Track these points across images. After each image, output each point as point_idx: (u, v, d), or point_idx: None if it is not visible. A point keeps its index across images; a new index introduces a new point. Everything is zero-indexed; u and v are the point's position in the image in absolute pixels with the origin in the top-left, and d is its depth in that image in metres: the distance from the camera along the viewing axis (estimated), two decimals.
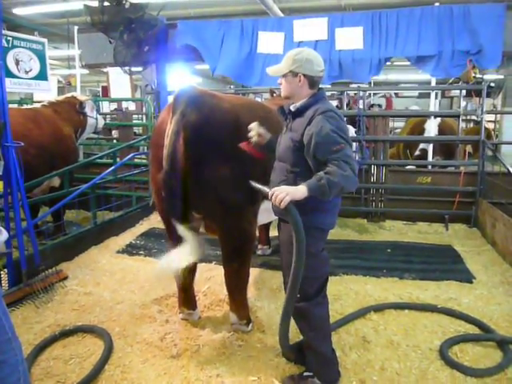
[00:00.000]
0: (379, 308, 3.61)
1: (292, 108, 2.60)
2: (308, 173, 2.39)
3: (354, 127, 6.77)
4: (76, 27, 6.50)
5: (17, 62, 3.97)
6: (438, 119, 7.54)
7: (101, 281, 4.30)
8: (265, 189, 2.46)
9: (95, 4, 4.99)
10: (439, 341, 3.13)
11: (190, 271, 3.41)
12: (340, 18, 5.70)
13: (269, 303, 3.82)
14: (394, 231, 5.92)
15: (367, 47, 5.45)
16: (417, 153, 7.70)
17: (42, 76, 4.33)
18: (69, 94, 5.60)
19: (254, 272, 4.48)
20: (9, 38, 3.89)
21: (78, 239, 4.99)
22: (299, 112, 2.53)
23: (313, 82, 2.54)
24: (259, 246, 5.06)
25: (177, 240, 2.89)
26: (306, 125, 2.43)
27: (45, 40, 4.37)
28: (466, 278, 4.23)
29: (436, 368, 2.87)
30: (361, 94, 6.73)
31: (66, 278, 4.26)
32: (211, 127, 2.96)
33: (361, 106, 6.43)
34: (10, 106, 4.27)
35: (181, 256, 2.78)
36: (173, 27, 6.09)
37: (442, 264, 4.61)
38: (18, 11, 9.01)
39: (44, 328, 3.45)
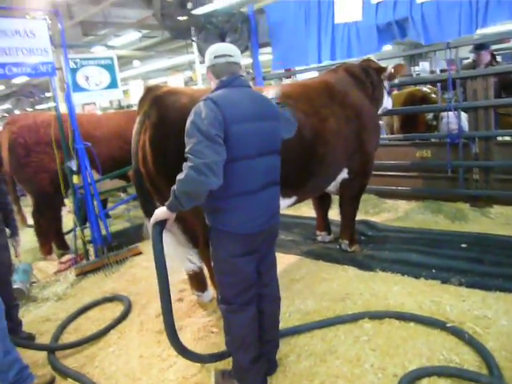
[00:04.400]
0: (377, 316, 3.10)
1: None
2: None
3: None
4: (192, 28, 7.17)
5: (86, 78, 4.83)
6: None
7: None
8: None
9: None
10: (415, 367, 2.55)
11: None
12: None
13: (281, 292, 3.66)
14: (498, 220, 4.70)
15: None
16: None
17: (113, 85, 5.10)
18: None
19: (290, 259, 4.43)
20: (76, 60, 4.81)
21: None
22: None
23: (215, 71, 2.41)
24: (317, 232, 4.83)
25: None
26: None
27: (113, 55, 5.13)
28: None
29: None
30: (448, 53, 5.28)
31: (139, 253, 5.02)
32: (168, 125, 3.07)
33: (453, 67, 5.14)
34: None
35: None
36: (261, 13, 6.12)
37: None
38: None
39: (101, 293, 4.27)
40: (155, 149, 3.12)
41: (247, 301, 2.45)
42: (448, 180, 5.36)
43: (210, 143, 2.12)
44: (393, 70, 4.37)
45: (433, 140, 5.81)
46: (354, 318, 3.11)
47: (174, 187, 2.16)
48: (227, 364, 2.75)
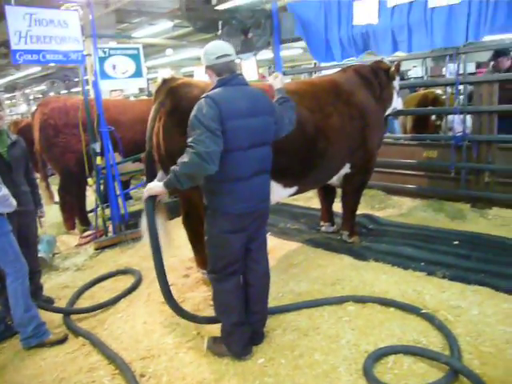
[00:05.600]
0: (360, 300, 3.36)
1: None
2: None
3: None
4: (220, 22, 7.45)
5: (113, 67, 5.19)
6: None
7: (176, 238, 5.21)
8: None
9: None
10: (384, 345, 2.81)
11: (198, 234, 3.75)
12: None
13: (278, 274, 4.00)
14: (494, 221, 4.85)
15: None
16: None
17: (137, 74, 5.44)
18: None
19: (292, 246, 4.70)
20: (105, 49, 5.18)
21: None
22: None
23: (216, 69, 2.67)
24: (321, 223, 5.08)
25: None
26: None
27: (140, 45, 5.46)
28: (510, 287, 3.34)
29: (349, 372, 2.64)
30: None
31: None
32: (180, 113, 3.37)
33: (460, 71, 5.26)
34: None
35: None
36: (283, 10, 6.34)
37: (506, 267, 3.71)
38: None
39: (115, 266, 4.66)
40: (168, 135, 3.44)
41: (232, 272, 2.78)
42: (451, 180, 5.52)
43: (211, 135, 2.44)
44: (393, 69, 4.58)
45: (440, 141, 5.96)
46: (340, 301, 3.38)
47: (176, 168, 2.49)
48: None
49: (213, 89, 2.66)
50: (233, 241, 2.71)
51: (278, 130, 2.86)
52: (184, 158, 2.46)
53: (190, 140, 2.49)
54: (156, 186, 2.68)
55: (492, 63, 5.78)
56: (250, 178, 2.64)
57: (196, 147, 2.42)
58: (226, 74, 2.67)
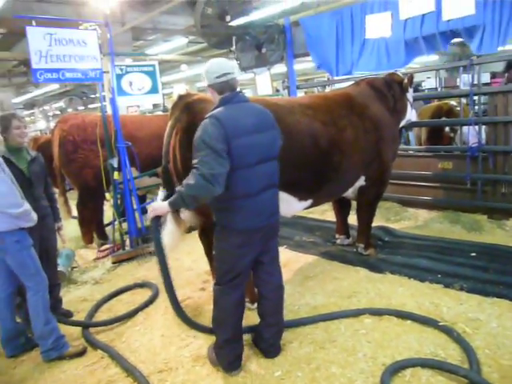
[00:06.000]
0: (377, 312, 3.35)
1: None
2: None
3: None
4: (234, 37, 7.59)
5: (130, 83, 5.32)
6: None
7: (193, 251, 5.27)
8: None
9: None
10: (401, 358, 2.79)
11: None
12: None
13: (294, 287, 4.03)
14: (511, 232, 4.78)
15: (479, 12, 4.48)
16: None
17: (153, 90, 5.57)
18: None
19: (307, 258, 4.70)
20: (122, 67, 5.33)
21: None
22: None
23: (217, 88, 2.72)
24: (337, 236, 5.08)
25: None
26: None
27: (155, 62, 5.58)
28: None
29: None
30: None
31: None
32: (196, 129, 3.43)
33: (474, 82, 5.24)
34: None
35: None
36: (296, 25, 6.44)
37: None
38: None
39: (133, 279, 4.71)
40: (183, 150, 3.50)
41: (236, 284, 2.80)
42: (467, 192, 5.49)
43: (216, 156, 2.47)
44: (406, 81, 4.60)
45: (455, 152, 5.94)
46: (356, 313, 3.37)
47: (181, 189, 2.53)
48: None
49: (216, 107, 2.70)
50: (242, 256, 2.74)
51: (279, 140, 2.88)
52: (189, 180, 2.50)
53: (195, 161, 2.53)
54: (161, 207, 2.73)
55: (506, 74, 5.78)
56: (258, 193, 2.67)
57: (201, 169, 2.46)
58: (227, 92, 2.70)
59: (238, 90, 2.78)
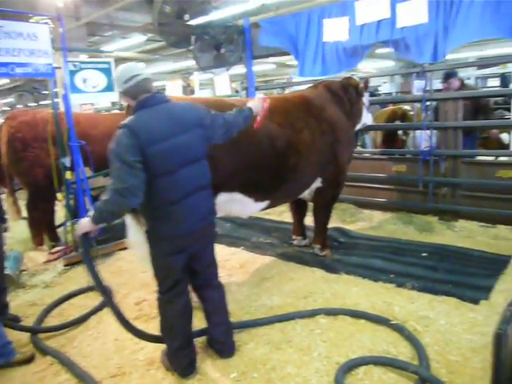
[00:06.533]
0: (331, 312, 3.40)
1: None
2: None
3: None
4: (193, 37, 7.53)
5: (84, 80, 5.15)
6: None
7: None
8: None
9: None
10: (355, 356, 2.85)
11: None
12: None
13: (251, 288, 4.04)
14: (461, 233, 5.02)
15: (432, 19, 4.65)
16: None
17: (109, 88, 5.41)
18: None
19: (264, 260, 4.72)
20: (76, 63, 5.14)
21: None
22: None
23: (130, 93, 2.62)
24: (293, 237, 5.13)
25: None
26: None
27: (111, 59, 5.44)
28: (475, 297, 3.48)
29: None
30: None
31: (125, 248, 5.30)
32: None
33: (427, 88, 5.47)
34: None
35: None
36: (256, 26, 6.46)
37: (471, 277, 3.85)
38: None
39: (86, 282, 4.51)
40: None
41: (176, 294, 2.76)
42: (420, 194, 5.68)
43: (128, 169, 2.38)
44: (362, 85, 4.72)
45: (408, 156, 6.15)
46: (312, 314, 3.41)
47: (99, 204, 2.46)
48: None
49: (132, 113, 2.60)
50: (173, 262, 2.69)
51: (209, 139, 2.79)
52: (105, 195, 2.44)
53: (110, 175, 2.47)
54: (84, 224, 2.59)
55: (445, 84, 6.08)
56: (185, 197, 2.59)
57: (114, 183, 2.41)
58: (142, 95, 2.60)
59: (155, 91, 2.67)
